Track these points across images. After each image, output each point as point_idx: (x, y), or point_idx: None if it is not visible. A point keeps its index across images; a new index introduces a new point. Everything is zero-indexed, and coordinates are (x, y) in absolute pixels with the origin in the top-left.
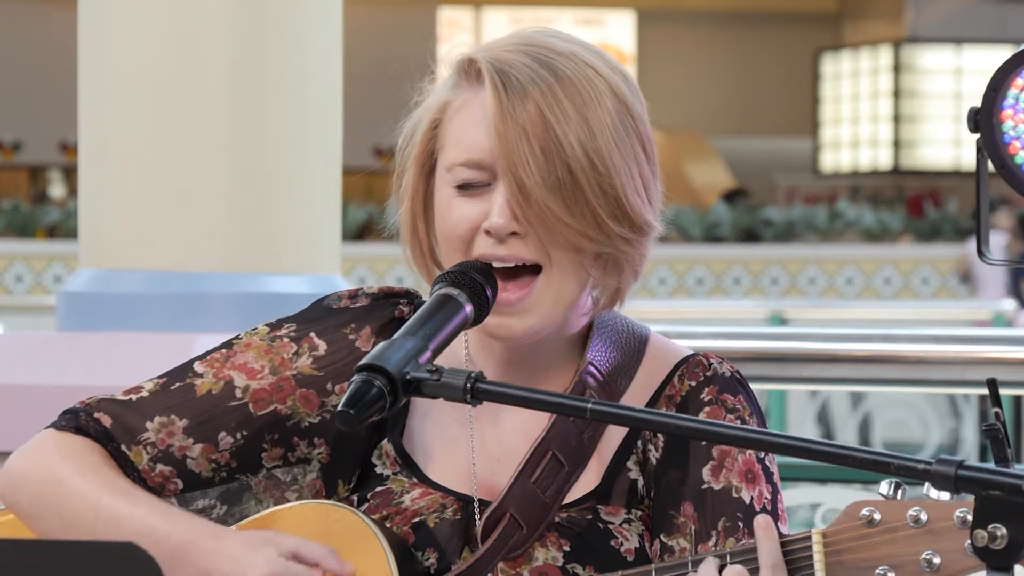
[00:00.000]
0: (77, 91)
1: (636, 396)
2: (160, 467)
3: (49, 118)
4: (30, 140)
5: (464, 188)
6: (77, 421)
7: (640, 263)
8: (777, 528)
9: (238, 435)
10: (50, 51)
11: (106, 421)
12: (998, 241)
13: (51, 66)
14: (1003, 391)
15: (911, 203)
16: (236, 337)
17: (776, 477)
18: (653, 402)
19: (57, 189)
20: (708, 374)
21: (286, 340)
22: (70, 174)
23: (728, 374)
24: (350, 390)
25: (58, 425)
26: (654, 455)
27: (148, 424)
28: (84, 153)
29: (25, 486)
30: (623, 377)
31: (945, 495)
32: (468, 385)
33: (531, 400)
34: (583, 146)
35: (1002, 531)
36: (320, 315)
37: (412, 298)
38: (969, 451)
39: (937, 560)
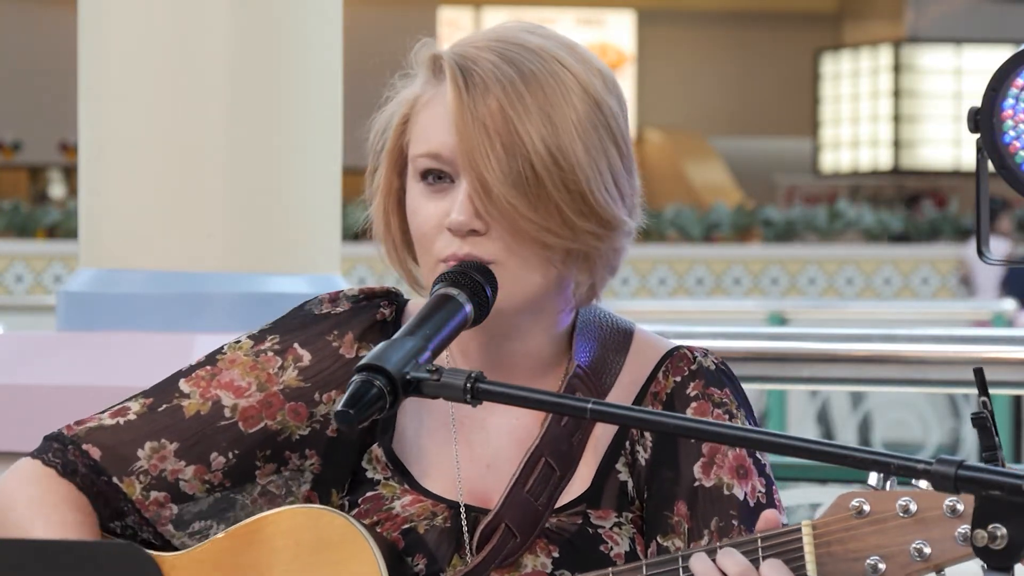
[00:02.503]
0: (77, 91)
1: (622, 393)
2: (154, 494)
3: (49, 118)
4: (30, 140)
5: (429, 182)
6: (65, 456)
7: (615, 258)
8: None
9: (230, 454)
10: (50, 51)
11: (95, 454)
12: (1001, 247)
13: (51, 66)
14: (1003, 391)
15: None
16: (220, 350)
17: (768, 468)
18: (639, 400)
19: (57, 189)
20: (693, 368)
21: (270, 354)
22: (70, 174)
23: (713, 367)
24: (350, 390)
25: (44, 459)
26: (643, 456)
27: (140, 452)
28: (84, 153)
29: (1, 520)
30: (608, 374)
31: None
32: (468, 385)
33: (531, 400)
34: (545, 142)
35: (1002, 531)
36: (302, 322)
37: (393, 298)
38: (969, 451)
39: (927, 549)
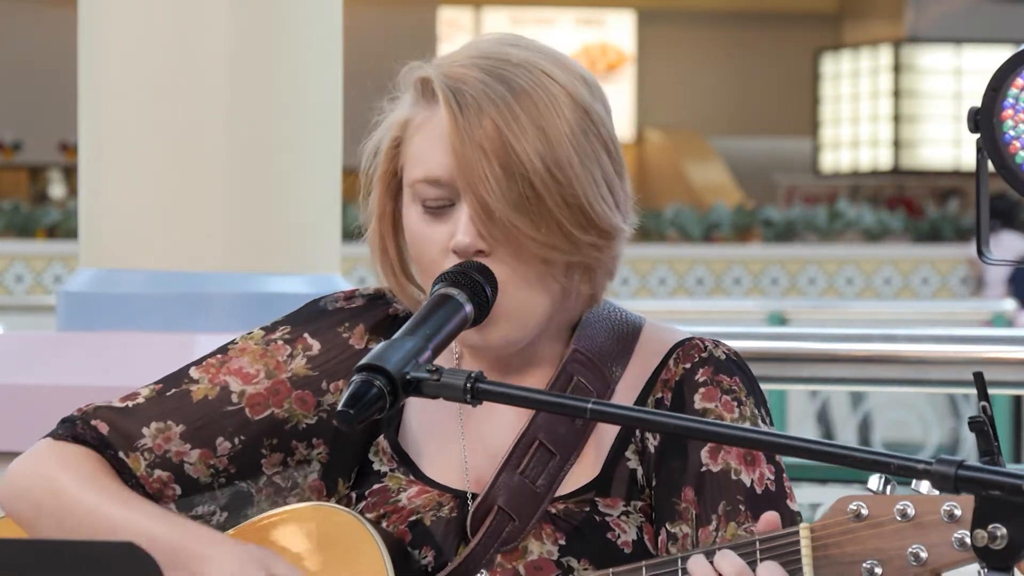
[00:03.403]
0: (77, 91)
1: (631, 382)
2: (158, 472)
3: (49, 118)
4: (30, 140)
5: (429, 209)
6: (74, 430)
7: (613, 264)
8: (787, 507)
9: (236, 440)
10: (50, 51)
11: (103, 428)
12: (1019, 243)
13: (51, 66)
14: (1003, 391)
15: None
16: (231, 342)
17: (779, 456)
18: (649, 387)
19: (57, 189)
20: (703, 355)
21: (280, 343)
22: (70, 174)
23: (723, 356)
24: (350, 390)
25: (56, 434)
26: (652, 443)
27: (145, 430)
28: (84, 153)
29: (24, 495)
30: (615, 362)
31: (934, 490)
32: (468, 385)
33: (531, 400)
34: (542, 159)
35: (1002, 531)
36: (315, 316)
37: None
38: (969, 451)
39: (924, 554)
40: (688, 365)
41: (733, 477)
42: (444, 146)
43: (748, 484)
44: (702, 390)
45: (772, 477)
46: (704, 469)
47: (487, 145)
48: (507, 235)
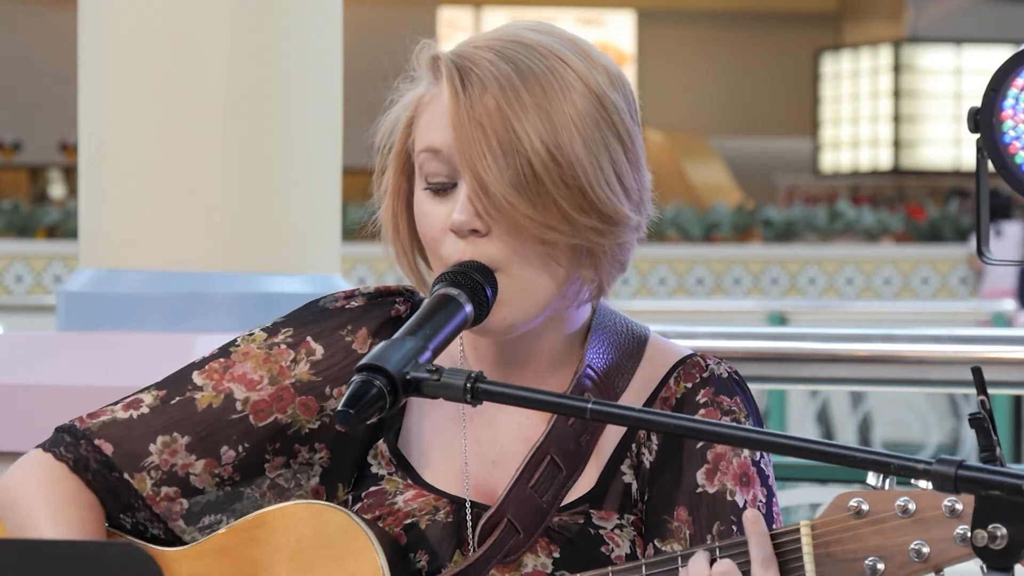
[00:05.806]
0: (77, 91)
1: (633, 398)
2: (164, 489)
3: (49, 118)
4: (30, 140)
5: (433, 187)
6: (76, 451)
7: (621, 253)
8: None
9: (240, 448)
10: (50, 51)
11: (107, 449)
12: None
13: (51, 66)
14: (1003, 391)
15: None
16: (233, 343)
17: (771, 480)
18: (649, 404)
19: (57, 189)
20: (704, 375)
21: (283, 347)
22: (70, 174)
23: (725, 375)
24: (350, 390)
25: (56, 453)
26: (647, 458)
27: (151, 447)
28: (84, 153)
29: (9, 512)
30: (620, 378)
31: None
32: (468, 385)
33: (531, 400)
34: (543, 139)
35: (1002, 531)
36: (316, 317)
37: (409, 296)
38: (969, 451)
39: (926, 550)
40: (689, 385)
41: (728, 498)
42: (446, 121)
43: (742, 504)
44: (703, 411)
45: (763, 500)
46: (700, 490)
47: (487, 122)
48: (504, 214)
